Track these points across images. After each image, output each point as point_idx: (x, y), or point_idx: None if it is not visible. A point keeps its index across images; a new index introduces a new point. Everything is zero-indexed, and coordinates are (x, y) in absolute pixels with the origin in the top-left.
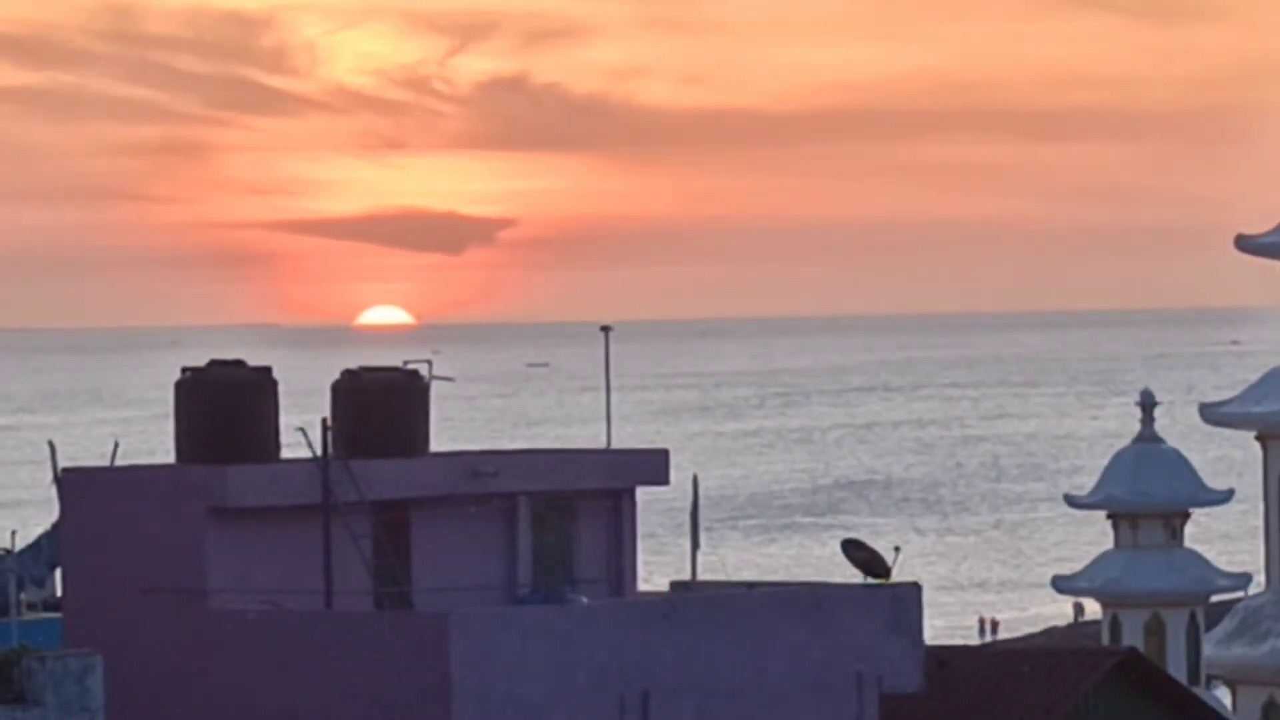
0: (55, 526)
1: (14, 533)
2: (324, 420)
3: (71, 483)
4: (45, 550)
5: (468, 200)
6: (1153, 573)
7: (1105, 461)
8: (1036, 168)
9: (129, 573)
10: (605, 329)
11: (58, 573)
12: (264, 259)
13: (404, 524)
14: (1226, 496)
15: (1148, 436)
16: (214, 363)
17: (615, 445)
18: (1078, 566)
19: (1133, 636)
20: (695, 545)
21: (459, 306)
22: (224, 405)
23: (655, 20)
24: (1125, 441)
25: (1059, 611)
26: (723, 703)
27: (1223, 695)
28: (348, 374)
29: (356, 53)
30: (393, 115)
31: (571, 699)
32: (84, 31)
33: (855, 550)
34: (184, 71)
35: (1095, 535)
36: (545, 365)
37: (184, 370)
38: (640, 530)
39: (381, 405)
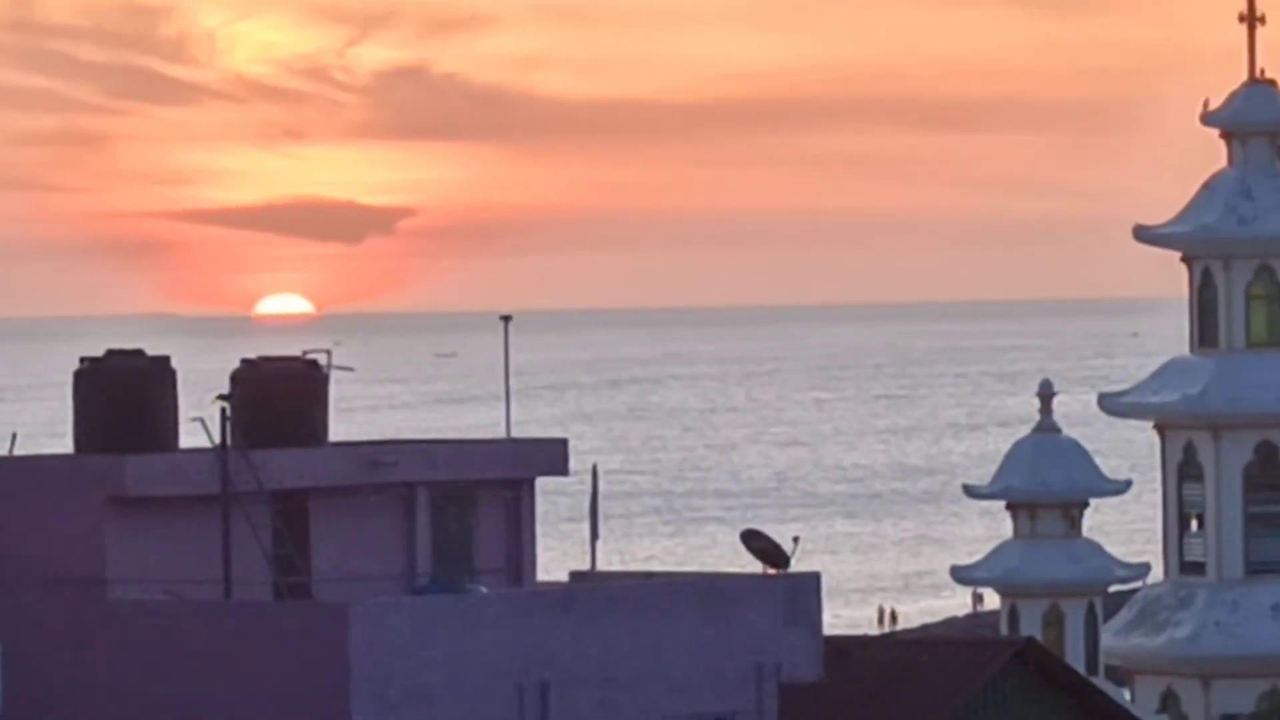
0: None
1: None
2: (223, 410)
3: None
4: None
5: (367, 190)
6: (1051, 563)
7: (1004, 451)
8: (936, 158)
9: (28, 562)
10: (505, 318)
11: None
12: (163, 248)
13: (303, 514)
14: (1124, 486)
15: (1046, 427)
16: (112, 352)
17: (515, 434)
18: (977, 557)
19: (1031, 626)
20: (595, 535)
21: (359, 296)
22: (122, 395)
23: (555, 10)
24: (1025, 431)
25: (958, 602)
26: (622, 693)
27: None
28: (246, 364)
29: (256, 42)
30: (292, 105)
31: (470, 689)
32: None
33: (754, 540)
34: (83, 61)
35: (994, 526)
36: (453, 355)
37: (82, 360)
38: (539, 520)
39: (280, 395)
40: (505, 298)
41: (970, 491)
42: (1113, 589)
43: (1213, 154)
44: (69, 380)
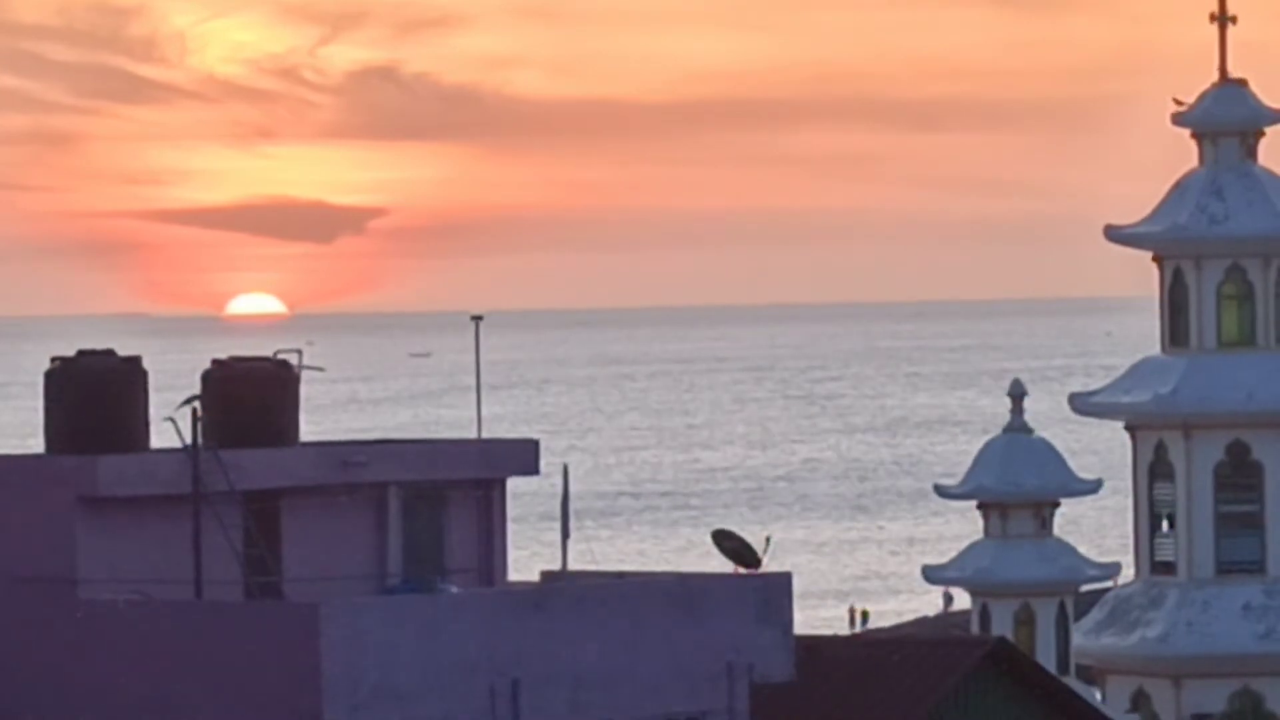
0: None
1: None
2: (194, 410)
3: None
4: None
5: (338, 190)
6: (1022, 562)
7: (976, 451)
8: (908, 158)
9: None
10: (476, 318)
11: None
12: (134, 248)
13: (274, 514)
14: (1096, 486)
15: (1017, 426)
16: (83, 352)
17: (487, 434)
18: (948, 556)
19: (1002, 626)
20: (565, 535)
21: (330, 296)
22: (93, 395)
23: (526, 10)
24: (996, 431)
25: (929, 601)
26: (593, 692)
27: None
28: (218, 364)
29: (227, 42)
30: (263, 104)
31: (442, 688)
32: None
33: (725, 540)
34: (54, 61)
35: (966, 525)
36: (428, 355)
37: (53, 360)
38: (511, 520)
39: (251, 395)
40: (477, 297)
41: (941, 491)
42: (1084, 588)
43: (1184, 154)
44: (40, 380)
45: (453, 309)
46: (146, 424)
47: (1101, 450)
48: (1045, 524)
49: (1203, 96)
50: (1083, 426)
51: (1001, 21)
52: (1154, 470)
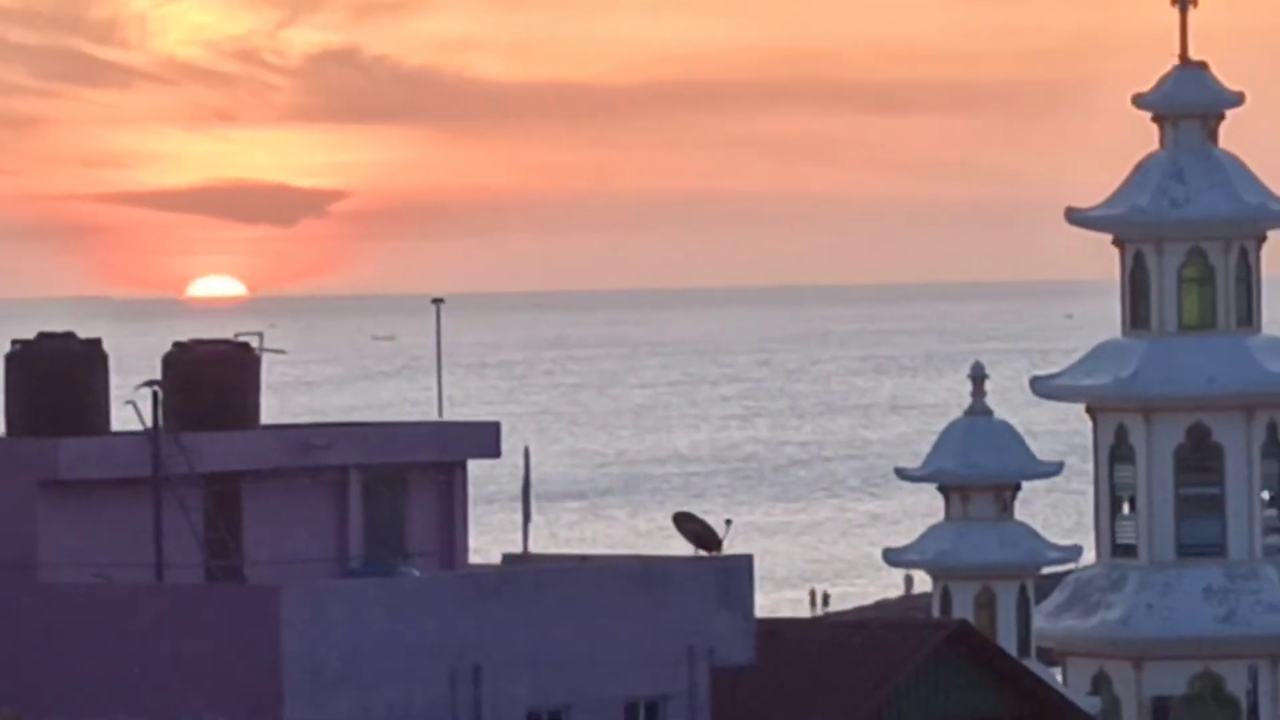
0: None
1: None
2: (155, 393)
3: None
4: None
5: (299, 172)
6: (983, 545)
7: (937, 434)
8: (870, 141)
9: None
10: (437, 301)
11: None
12: (94, 231)
13: (235, 496)
14: (1056, 469)
15: (978, 409)
16: (43, 335)
17: (448, 417)
18: (909, 539)
19: (963, 609)
20: (527, 518)
21: (291, 279)
22: (54, 378)
23: None
24: (956, 414)
25: (891, 584)
26: (555, 675)
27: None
28: (179, 346)
29: (187, 24)
30: (223, 87)
31: (403, 671)
32: None
33: (687, 523)
34: (13, 43)
35: (927, 508)
36: (391, 339)
37: (14, 343)
38: (471, 502)
39: (212, 378)
40: (438, 280)
41: (902, 474)
42: (1045, 571)
43: (1144, 136)
44: (0, 363)
45: (414, 291)
46: (107, 407)
47: (1062, 433)
48: (1006, 507)
49: (1164, 80)
50: (1043, 409)
51: (963, 5)
52: (1115, 453)
